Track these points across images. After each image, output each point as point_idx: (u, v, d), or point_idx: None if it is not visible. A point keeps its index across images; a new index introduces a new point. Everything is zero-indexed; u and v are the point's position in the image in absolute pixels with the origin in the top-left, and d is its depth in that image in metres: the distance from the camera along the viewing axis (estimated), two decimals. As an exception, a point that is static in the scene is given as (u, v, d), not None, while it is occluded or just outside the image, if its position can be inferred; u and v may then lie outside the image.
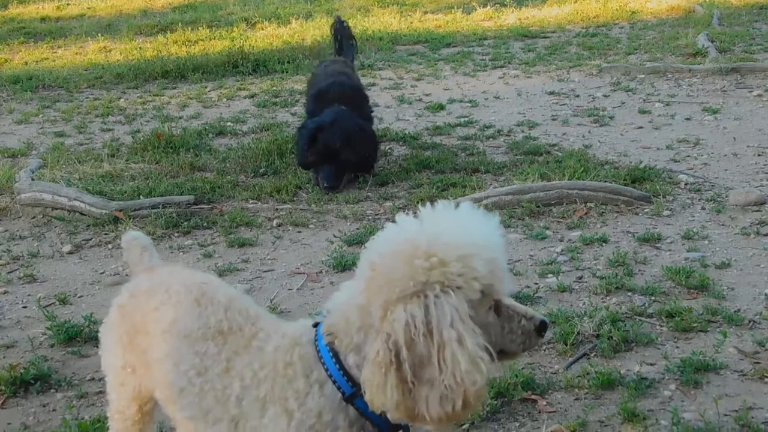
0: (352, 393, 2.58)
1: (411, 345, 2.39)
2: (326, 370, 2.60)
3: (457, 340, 2.39)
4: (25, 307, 6.05)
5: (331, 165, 8.32)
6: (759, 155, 9.04)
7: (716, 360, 4.80)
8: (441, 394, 2.40)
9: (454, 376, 2.38)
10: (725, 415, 4.29)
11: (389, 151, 9.64)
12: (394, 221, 2.60)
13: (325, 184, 8.26)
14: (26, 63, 17.00)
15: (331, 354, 2.60)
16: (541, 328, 2.68)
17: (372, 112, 9.43)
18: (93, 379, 4.92)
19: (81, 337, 5.39)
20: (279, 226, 7.47)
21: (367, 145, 8.55)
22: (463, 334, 2.40)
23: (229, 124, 11.36)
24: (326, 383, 2.61)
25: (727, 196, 7.69)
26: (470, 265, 2.45)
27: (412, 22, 19.32)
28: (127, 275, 6.50)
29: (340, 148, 8.32)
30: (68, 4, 24.57)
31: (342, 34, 10.69)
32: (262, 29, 19.13)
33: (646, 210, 7.46)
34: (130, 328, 3.16)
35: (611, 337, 5.07)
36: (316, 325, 2.71)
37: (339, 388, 2.59)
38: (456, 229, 2.50)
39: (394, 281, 2.44)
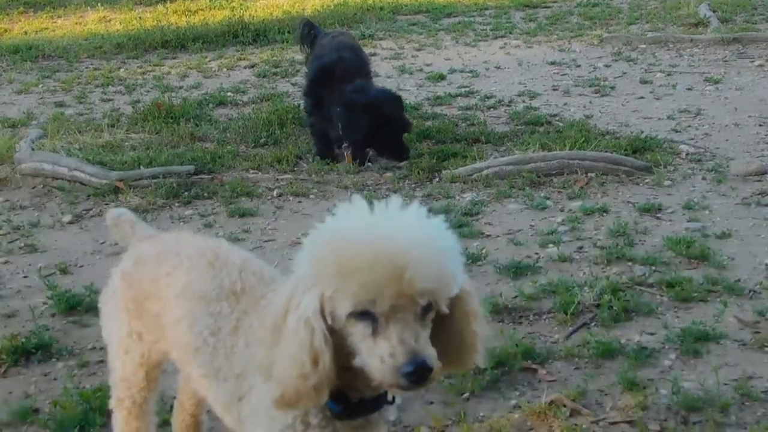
0: None
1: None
2: None
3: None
4: (25, 277, 6.05)
5: (395, 136, 8.20)
6: (760, 125, 9.03)
7: (716, 329, 4.81)
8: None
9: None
10: (725, 384, 4.30)
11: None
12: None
13: (406, 155, 8.15)
14: (26, 33, 16.94)
15: None
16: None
17: None
18: (94, 348, 4.92)
19: (82, 307, 5.39)
20: (280, 196, 7.46)
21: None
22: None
23: (229, 94, 11.33)
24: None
25: (728, 166, 7.68)
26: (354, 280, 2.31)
27: (412, -8, 19.24)
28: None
29: (402, 117, 8.29)
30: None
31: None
32: (263, -2, 19.07)
33: (646, 180, 7.45)
34: (137, 295, 3.15)
35: (611, 307, 5.07)
36: None
37: None
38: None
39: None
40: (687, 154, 8.10)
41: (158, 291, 3.07)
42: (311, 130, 8.71)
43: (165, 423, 4.10)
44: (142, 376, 3.28)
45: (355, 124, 8.07)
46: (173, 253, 3.12)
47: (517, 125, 9.23)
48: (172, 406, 4.22)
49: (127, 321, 3.21)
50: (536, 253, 6.04)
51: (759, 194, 7.01)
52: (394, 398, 2.57)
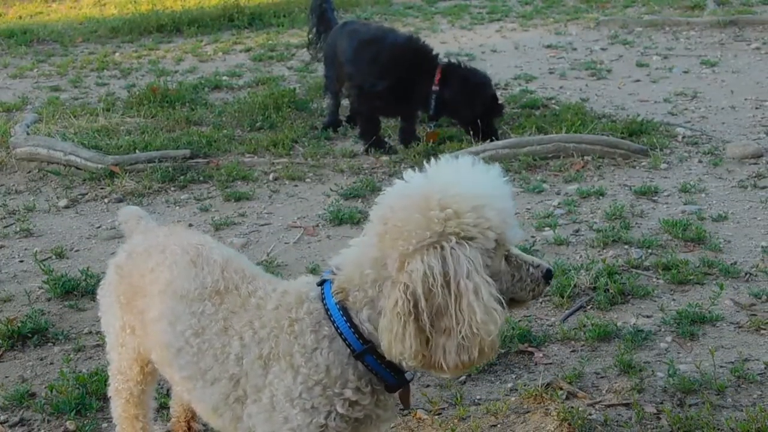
0: (363, 350, 2.60)
1: (429, 295, 2.41)
2: (335, 326, 2.60)
3: (474, 291, 2.41)
4: (21, 261, 6.05)
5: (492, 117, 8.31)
6: (756, 108, 9.03)
7: (712, 312, 4.81)
8: (458, 344, 2.43)
9: (470, 326, 2.41)
10: (721, 366, 4.31)
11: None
12: (400, 177, 2.58)
13: (496, 135, 8.20)
14: (20, 17, 16.90)
15: (340, 310, 2.60)
16: (548, 275, 2.69)
17: None
18: (90, 332, 4.92)
19: (78, 291, 5.38)
20: (275, 180, 7.45)
21: None
22: (479, 285, 2.42)
23: (224, 78, 11.32)
24: (335, 339, 2.61)
25: (724, 149, 7.68)
26: (483, 215, 2.46)
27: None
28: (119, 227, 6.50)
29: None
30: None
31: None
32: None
33: (643, 163, 7.45)
34: (128, 289, 3.14)
35: (608, 290, 5.07)
36: (321, 283, 2.70)
37: (349, 345, 2.60)
38: (465, 181, 2.50)
39: (410, 233, 2.44)
40: (683, 137, 8.09)
41: (143, 287, 3.06)
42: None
43: (162, 407, 4.10)
44: (137, 370, 3.28)
45: (478, 102, 8.13)
46: (160, 248, 3.10)
47: (513, 108, 9.22)
48: (168, 390, 4.23)
49: (121, 315, 3.20)
50: (533, 236, 6.04)
51: (755, 177, 7.01)
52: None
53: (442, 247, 2.42)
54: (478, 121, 8.04)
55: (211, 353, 2.77)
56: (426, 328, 2.42)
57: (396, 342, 2.45)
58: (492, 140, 7.98)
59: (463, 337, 2.42)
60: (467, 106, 8.08)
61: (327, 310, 2.62)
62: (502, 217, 2.53)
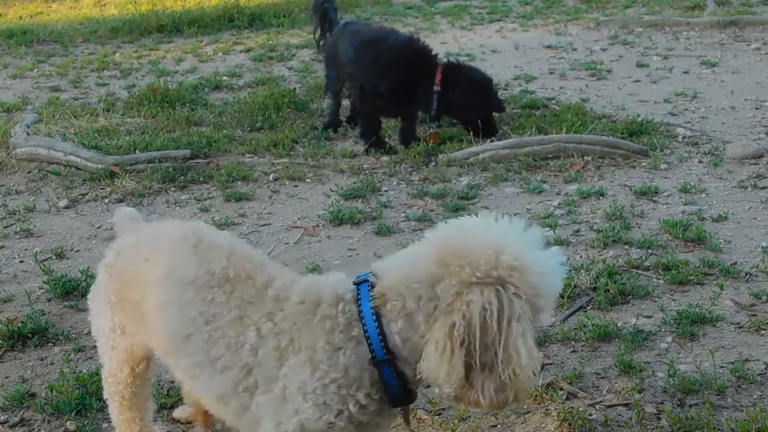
0: (385, 359, 2.63)
1: (483, 328, 2.47)
2: (365, 330, 2.63)
3: (522, 334, 2.48)
4: (21, 262, 6.05)
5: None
6: (757, 108, 9.03)
7: (713, 312, 4.81)
8: (498, 384, 2.52)
9: (514, 367, 2.49)
10: (721, 366, 4.31)
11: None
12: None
13: (496, 131, 8.30)
14: (20, 17, 16.90)
15: (374, 316, 2.63)
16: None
17: None
18: (90, 332, 4.88)
19: (78, 291, 5.38)
20: (276, 180, 7.45)
21: None
22: (526, 331, 2.49)
23: (225, 78, 11.32)
24: (361, 343, 2.64)
25: (724, 150, 7.68)
26: (542, 286, 2.54)
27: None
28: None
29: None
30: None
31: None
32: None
33: (643, 163, 7.45)
34: (119, 286, 3.13)
35: (608, 290, 5.07)
36: (357, 283, 2.73)
37: (372, 351, 2.63)
38: (542, 251, 2.60)
39: (477, 265, 2.50)
40: (683, 138, 8.09)
41: (138, 277, 3.04)
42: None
43: (162, 407, 4.11)
44: (127, 372, 3.27)
45: (476, 100, 8.19)
46: (151, 238, 3.09)
47: (513, 109, 9.22)
48: (168, 391, 4.24)
49: (111, 315, 3.18)
50: (533, 237, 6.02)
51: (755, 177, 7.01)
52: None
53: (502, 289, 2.49)
54: (479, 120, 8.06)
55: (224, 342, 2.77)
56: (473, 361, 2.49)
57: (443, 365, 2.50)
58: (492, 140, 7.98)
59: (505, 377, 2.50)
60: (469, 106, 8.09)
61: (360, 312, 2.65)
62: (551, 298, 2.62)
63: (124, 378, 3.28)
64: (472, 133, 8.14)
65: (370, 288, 2.68)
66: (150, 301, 2.97)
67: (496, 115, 8.42)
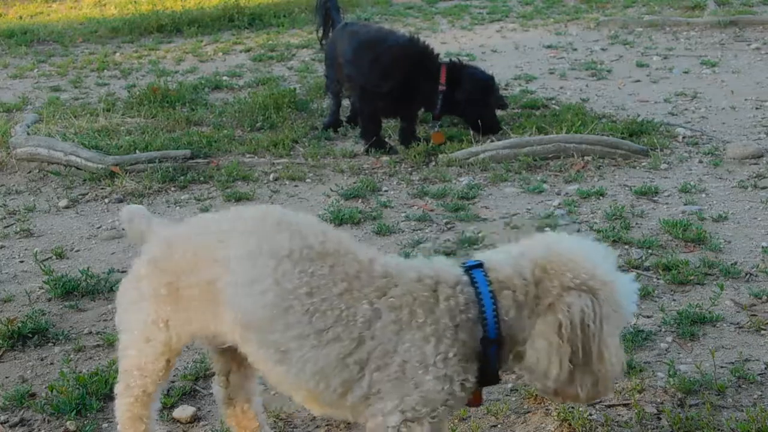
0: (495, 339, 2.87)
1: (582, 328, 2.78)
2: (482, 310, 2.86)
3: (611, 334, 2.83)
4: (21, 262, 6.05)
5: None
6: (757, 108, 9.03)
7: (713, 312, 4.81)
8: (594, 379, 2.85)
9: (607, 364, 2.82)
10: (721, 366, 4.31)
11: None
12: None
13: (498, 129, 8.32)
14: (21, 17, 16.90)
15: (492, 300, 2.87)
16: None
17: None
18: (90, 332, 4.92)
19: (78, 291, 5.38)
20: (276, 180, 7.45)
21: None
22: (614, 332, 2.85)
23: (225, 78, 11.32)
24: (477, 323, 2.87)
25: (724, 149, 7.68)
26: (624, 306, 2.88)
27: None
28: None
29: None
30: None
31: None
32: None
33: (643, 163, 7.45)
34: (171, 278, 3.11)
35: (608, 290, 5.06)
36: (467, 269, 2.96)
37: (486, 331, 2.87)
38: (627, 276, 2.95)
39: (578, 272, 2.82)
40: (683, 138, 8.09)
41: (213, 255, 3.04)
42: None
43: (161, 407, 4.10)
44: (162, 365, 3.25)
45: (480, 98, 8.22)
46: (216, 222, 3.15)
47: (513, 109, 9.21)
48: (168, 391, 4.24)
49: (153, 309, 3.16)
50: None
51: (755, 177, 7.01)
52: None
53: (596, 296, 2.80)
54: (482, 117, 8.07)
55: (332, 314, 2.87)
56: (575, 358, 2.81)
57: (554, 361, 2.81)
58: (492, 140, 7.98)
59: (598, 372, 2.84)
60: (475, 104, 8.10)
61: (479, 294, 2.88)
62: (627, 318, 3.01)
63: (157, 371, 3.26)
64: (473, 131, 8.15)
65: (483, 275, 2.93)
66: (231, 278, 2.98)
67: (498, 112, 8.44)
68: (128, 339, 3.28)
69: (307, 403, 3.05)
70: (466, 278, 2.92)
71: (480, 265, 2.96)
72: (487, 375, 2.93)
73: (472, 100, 8.08)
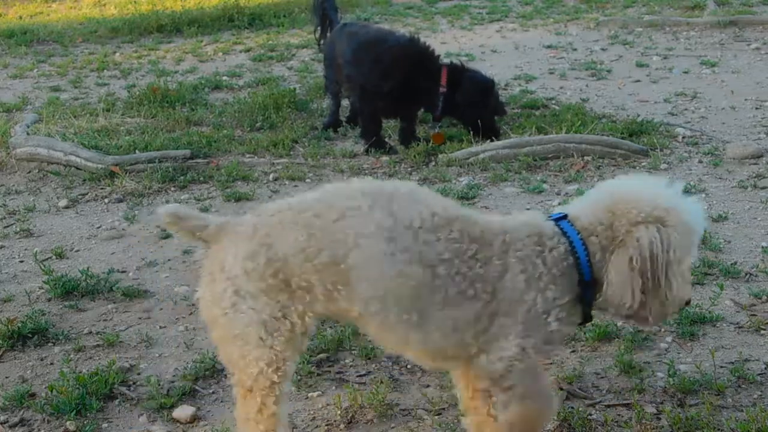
0: (590, 281, 3.21)
1: (652, 258, 3.08)
2: (576, 257, 3.19)
3: (678, 262, 3.13)
4: (21, 262, 6.05)
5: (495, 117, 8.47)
6: (756, 108, 9.02)
7: (713, 312, 4.81)
8: (662, 303, 3.17)
9: (673, 289, 3.14)
10: (721, 366, 4.30)
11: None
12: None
13: (498, 134, 8.28)
14: (20, 17, 16.90)
15: (584, 247, 3.20)
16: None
17: None
18: (90, 332, 4.92)
19: (78, 291, 5.38)
20: (275, 180, 7.45)
21: None
22: (682, 259, 3.15)
23: (224, 78, 11.32)
24: (573, 269, 3.20)
25: (724, 150, 7.68)
26: (692, 223, 3.17)
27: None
28: (123, 229, 6.50)
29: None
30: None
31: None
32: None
33: (643, 163, 7.45)
34: (282, 265, 3.12)
35: (608, 290, 5.06)
36: (556, 220, 3.29)
37: (581, 275, 3.20)
38: (688, 197, 3.24)
39: (641, 207, 3.13)
40: (683, 138, 8.09)
41: (329, 238, 3.09)
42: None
43: (161, 407, 4.11)
44: (290, 353, 3.22)
45: (480, 102, 8.22)
46: (320, 202, 3.19)
47: (513, 109, 9.21)
48: (168, 391, 4.24)
49: (266, 302, 3.14)
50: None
51: (755, 177, 7.01)
52: None
53: (663, 226, 3.10)
54: (481, 121, 8.06)
55: (472, 273, 3.12)
56: (645, 285, 3.10)
57: (627, 290, 3.12)
58: (492, 140, 7.98)
59: (665, 297, 3.14)
60: (475, 107, 8.09)
61: (571, 243, 3.20)
62: (698, 234, 3.23)
63: (290, 356, 3.24)
64: (473, 133, 8.14)
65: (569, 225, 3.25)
66: (362, 254, 3.08)
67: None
68: (248, 343, 3.20)
69: (425, 359, 3.34)
70: (557, 229, 3.23)
71: (564, 216, 3.27)
72: (585, 314, 3.28)
73: (472, 103, 8.08)
